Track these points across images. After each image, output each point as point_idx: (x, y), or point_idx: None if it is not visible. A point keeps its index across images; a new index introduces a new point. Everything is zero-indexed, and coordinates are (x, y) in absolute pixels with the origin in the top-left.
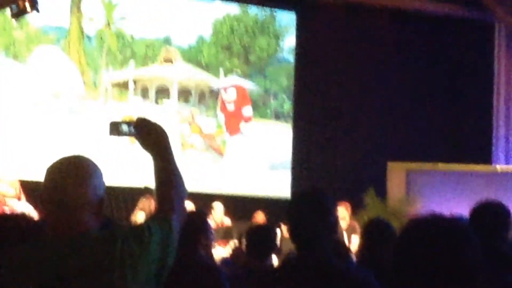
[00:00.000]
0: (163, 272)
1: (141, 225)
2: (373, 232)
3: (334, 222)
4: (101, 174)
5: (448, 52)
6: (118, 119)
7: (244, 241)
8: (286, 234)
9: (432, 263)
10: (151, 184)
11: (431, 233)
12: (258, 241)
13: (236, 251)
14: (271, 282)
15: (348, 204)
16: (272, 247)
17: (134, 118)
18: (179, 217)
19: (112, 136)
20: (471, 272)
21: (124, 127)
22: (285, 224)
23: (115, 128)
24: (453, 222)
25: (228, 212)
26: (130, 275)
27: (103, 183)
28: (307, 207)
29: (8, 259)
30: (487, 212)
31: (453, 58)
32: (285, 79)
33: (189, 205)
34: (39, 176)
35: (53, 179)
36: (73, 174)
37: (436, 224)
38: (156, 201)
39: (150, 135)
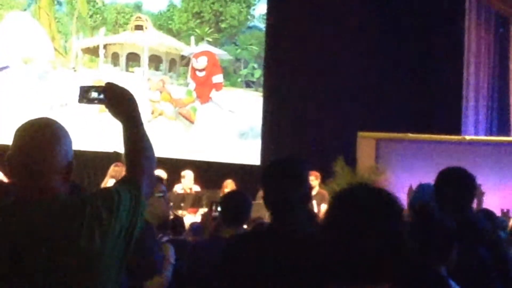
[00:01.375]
0: (132, 236)
1: (110, 190)
2: None
3: (308, 190)
4: (69, 138)
5: (418, 22)
6: (88, 84)
7: (216, 208)
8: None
9: (353, 229)
10: (121, 149)
11: (352, 200)
12: (234, 208)
13: (205, 218)
14: (243, 248)
15: (317, 173)
16: (246, 215)
17: (103, 84)
18: (149, 182)
19: (81, 104)
20: (390, 242)
21: (94, 93)
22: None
23: (84, 95)
24: (376, 192)
25: (198, 179)
26: (99, 239)
27: (71, 147)
28: (283, 174)
29: None
30: (451, 179)
31: (423, 29)
32: (256, 47)
33: (160, 172)
34: (9, 140)
35: (20, 142)
36: (41, 137)
37: (357, 193)
38: (126, 167)
39: (120, 102)
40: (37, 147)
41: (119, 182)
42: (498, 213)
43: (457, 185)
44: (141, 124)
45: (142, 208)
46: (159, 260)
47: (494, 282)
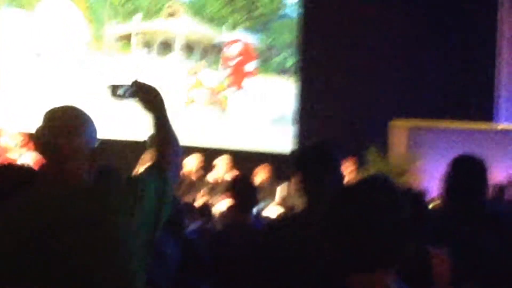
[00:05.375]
0: (157, 225)
1: (136, 177)
2: None
3: (341, 175)
4: (94, 126)
5: (452, 9)
6: (116, 83)
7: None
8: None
9: (360, 222)
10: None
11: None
12: (244, 194)
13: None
14: (277, 235)
15: (351, 161)
16: (256, 200)
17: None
18: (175, 172)
19: (113, 99)
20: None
21: (123, 90)
22: (293, 176)
23: (114, 92)
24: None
25: (230, 167)
26: (124, 227)
27: (96, 134)
28: (316, 159)
29: (0, 207)
30: (463, 167)
31: (456, 16)
32: (289, 35)
33: (193, 160)
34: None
35: (46, 128)
36: (66, 123)
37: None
38: (154, 157)
39: (149, 97)
40: (62, 132)
41: (146, 170)
42: None
43: (468, 173)
44: (167, 116)
45: (168, 197)
46: None
47: (495, 266)
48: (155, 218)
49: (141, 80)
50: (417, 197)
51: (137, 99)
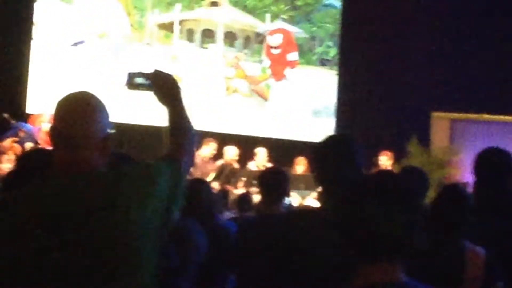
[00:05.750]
0: (170, 213)
1: (150, 164)
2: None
3: (360, 169)
4: (106, 112)
5: (493, 2)
6: (136, 70)
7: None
8: None
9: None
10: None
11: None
12: (272, 185)
13: None
14: (287, 228)
15: (390, 153)
16: (284, 191)
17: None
18: (189, 162)
19: (130, 90)
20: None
21: (141, 79)
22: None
23: (132, 81)
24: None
25: (271, 157)
26: (136, 214)
27: (109, 121)
28: (333, 152)
29: (14, 197)
30: (487, 159)
31: (498, 8)
32: (331, 26)
33: (233, 149)
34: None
35: (59, 115)
36: (78, 110)
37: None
38: (169, 145)
39: (165, 88)
40: (75, 120)
41: (160, 158)
42: None
43: (494, 165)
44: (183, 106)
45: (181, 184)
46: None
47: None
48: (168, 206)
49: (160, 70)
50: (458, 191)
51: (152, 89)
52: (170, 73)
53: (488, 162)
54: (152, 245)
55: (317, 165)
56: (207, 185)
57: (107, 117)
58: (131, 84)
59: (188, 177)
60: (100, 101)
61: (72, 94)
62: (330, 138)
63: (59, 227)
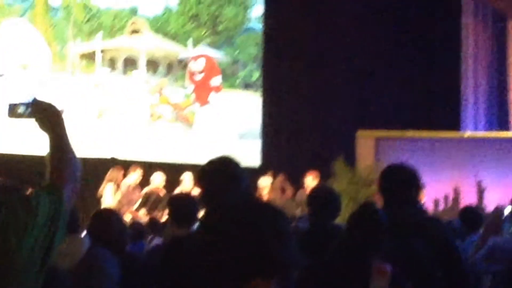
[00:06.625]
0: (52, 242)
1: (29, 193)
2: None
3: (244, 191)
4: None
5: (416, 19)
6: (16, 101)
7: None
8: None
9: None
10: (118, 155)
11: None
12: (181, 210)
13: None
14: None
15: (316, 173)
16: (195, 216)
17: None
18: (73, 188)
19: (11, 118)
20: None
21: (21, 109)
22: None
23: (13, 110)
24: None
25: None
26: (15, 243)
27: None
28: (218, 174)
29: None
30: (394, 175)
31: (421, 26)
32: (253, 49)
33: (160, 176)
34: (8, 149)
35: None
36: None
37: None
38: (49, 174)
39: (46, 116)
40: None
41: (41, 188)
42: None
43: (400, 181)
44: (65, 134)
45: (63, 215)
46: None
47: (426, 273)
48: (49, 235)
49: (40, 98)
50: (373, 212)
51: (33, 117)
52: (51, 103)
53: (391, 179)
54: (34, 276)
55: (202, 188)
56: (117, 215)
57: None
58: (13, 113)
59: (104, 207)
60: None
61: None
62: (214, 161)
63: None
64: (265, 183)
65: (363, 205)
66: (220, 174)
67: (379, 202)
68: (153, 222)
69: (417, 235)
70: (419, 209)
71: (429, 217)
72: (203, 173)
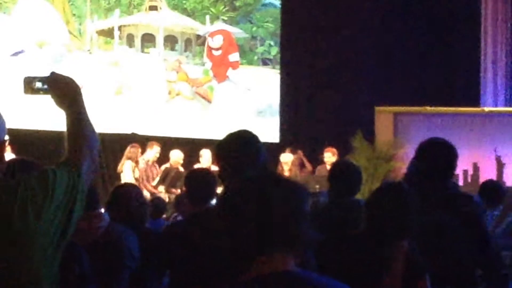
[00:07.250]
0: (70, 218)
1: (45, 170)
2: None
3: (264, 164)
4: (2, 119)
5: None
6: (32, 75)
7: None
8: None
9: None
10: (138, 131)
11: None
12: (199, 186)
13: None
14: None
15: (334, 150)
16: (212, 192)
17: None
18: (91, 167)
19: (27, 95)
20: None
21: (38, 84)
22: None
23: (28, 85)
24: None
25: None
26: (33, 219)
27: (4, 128)
28: (236, 149)
29: None
30: (430, 151)
31: (440, 1)
32: (271, 25)
33: (178, 152)
34: (24, 125)
35: None
36: None
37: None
38: (67, 151)
39: (63, 92)
40: None
41: (58, 164)
42: None
43: (433, 157)
44: (84, 109)
45: (81, 190)
46: None
47: (452, 245)
48: (67, 211)
49: (58, 73)
50: (398, 188)
51: (50, 93)
52: (69, 76)
53: (433, 152)
54: (52, 252)
55: (220, 163)
56: (137, 190)
57: (2, 124)
58: (28, 88)
59: (125, 182)
60: None
61: None
62: (232, 136)
63: None
64: (287, 159)
65: (387, 185)
66: (239, 147)
67: (398, 177)
68: (177, 200)
69: (446, 210)
70: (453, 184)
71: (461, 192)
72: (221, 146)
